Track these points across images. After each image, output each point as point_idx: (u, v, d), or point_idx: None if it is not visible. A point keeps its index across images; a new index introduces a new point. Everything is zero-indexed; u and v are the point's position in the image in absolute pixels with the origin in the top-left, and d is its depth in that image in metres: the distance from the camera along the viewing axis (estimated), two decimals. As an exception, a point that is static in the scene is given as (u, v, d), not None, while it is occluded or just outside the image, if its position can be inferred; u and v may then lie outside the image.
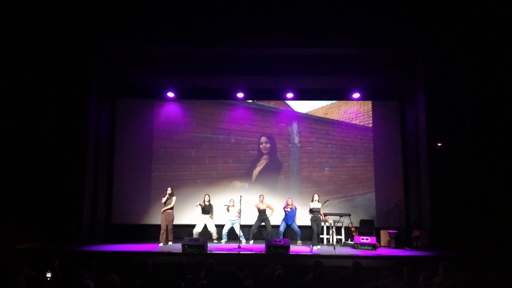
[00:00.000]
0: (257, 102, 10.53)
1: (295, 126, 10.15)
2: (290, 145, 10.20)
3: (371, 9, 8.82)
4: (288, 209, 8.99)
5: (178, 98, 10.45)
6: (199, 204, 9.12)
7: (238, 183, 10.16)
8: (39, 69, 8.73)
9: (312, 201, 8.93)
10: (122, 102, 10.49)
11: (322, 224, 9.33)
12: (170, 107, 10.54)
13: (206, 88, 10.51)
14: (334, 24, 8.89)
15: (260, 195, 9.39)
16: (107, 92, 10.09)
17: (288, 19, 8.91)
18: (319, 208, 8.86)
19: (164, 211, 8.74)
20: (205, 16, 8.91)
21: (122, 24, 8.92)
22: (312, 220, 8.83)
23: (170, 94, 10.28)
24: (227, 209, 9.18)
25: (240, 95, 10.29)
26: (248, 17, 8.87)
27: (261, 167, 10.31)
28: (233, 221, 9.18)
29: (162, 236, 8.60)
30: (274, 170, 10.31)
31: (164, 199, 8.80)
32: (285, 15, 8.89)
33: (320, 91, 10.48)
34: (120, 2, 8.92)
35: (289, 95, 10.26)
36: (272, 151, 10.32)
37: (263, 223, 9.20)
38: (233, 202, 9.18)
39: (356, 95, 10.29)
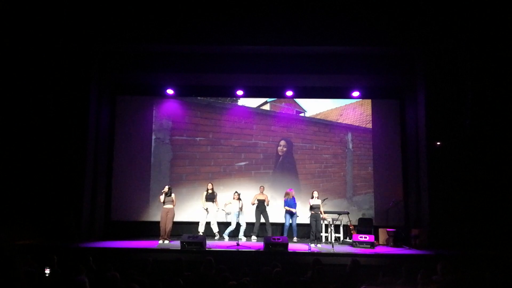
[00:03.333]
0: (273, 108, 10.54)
1: (349, 135, 10.80)
2: (346, 150, 10.78)
3: (372, 8, 8.80)
4: (290, 197, 9.14)
5: (178, 95, 10.44)
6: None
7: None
8: (39, 67, 8.71)
9: (312, 198, 8.93)
10: (121, 99, 10.49)
11: (321, 222, 9.33)
12: (170, 104, 10.54)
13: (206, 86, 10.51)
14: (335, 23, 8.86)
15: (260, 186, 9.60)
16: (107, 89, 10.08)
17: (288, 17, 8.89)
18: (319, 205, 8.84)
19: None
20: (205, 14, 8.89)
21: (122, 22, 8.89)
22: (311, 217, 8.80)
23: (170, 91, 10.27)
24: (236, 198, 9.23)
25: (239, 92, 10.30)
26: (247, 15, 8.85)
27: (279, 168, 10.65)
28: (236, 213, 9.17)
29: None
30: (291, 171, 10.57)
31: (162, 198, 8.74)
32: (285, 13, 8.86)
33: (320, 90, 10.48)
34: (119, 0, 8.89)
35: (289, 93, 10.26)
36: (288, 154, 10.65)
37: (263, 221, 9.26)
38: (238, 195, 9.22)
39: (355, 94, 10.30)
